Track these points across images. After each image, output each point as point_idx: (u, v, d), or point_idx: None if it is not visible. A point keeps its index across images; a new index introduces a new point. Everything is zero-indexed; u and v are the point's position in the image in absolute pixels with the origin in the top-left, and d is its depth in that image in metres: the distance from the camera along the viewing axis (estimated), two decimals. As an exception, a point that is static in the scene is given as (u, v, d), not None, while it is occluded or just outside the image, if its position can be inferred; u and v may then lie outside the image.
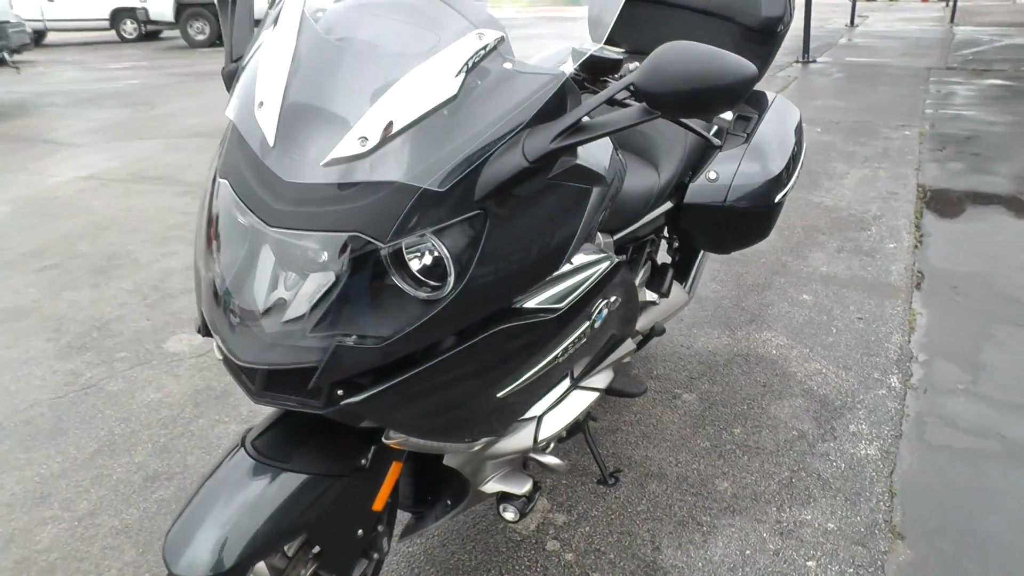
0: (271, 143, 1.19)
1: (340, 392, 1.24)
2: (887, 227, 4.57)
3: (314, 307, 1.17)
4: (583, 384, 1.79)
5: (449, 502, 1.76)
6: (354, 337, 1.18)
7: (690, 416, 2.75)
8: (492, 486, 1.76)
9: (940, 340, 3.25)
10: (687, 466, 2.48)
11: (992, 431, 2.63)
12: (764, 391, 2.90)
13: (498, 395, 1.40)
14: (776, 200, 2.31)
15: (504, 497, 1.78)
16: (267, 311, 1.18)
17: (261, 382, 1.26)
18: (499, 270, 1.24)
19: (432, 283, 1.19)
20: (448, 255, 1.18)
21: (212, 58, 14.05)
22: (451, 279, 1.19)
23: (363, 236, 1.14)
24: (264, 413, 2.12)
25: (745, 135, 2.34)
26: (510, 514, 1.78)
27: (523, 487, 1.76)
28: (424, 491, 1.81)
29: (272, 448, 1.40)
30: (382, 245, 1.15)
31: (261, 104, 1.21)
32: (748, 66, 1.10)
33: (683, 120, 1.27)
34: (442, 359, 1.26)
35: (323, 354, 1.17)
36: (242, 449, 1.39)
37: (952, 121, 7.43)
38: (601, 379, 1.86)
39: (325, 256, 1.16)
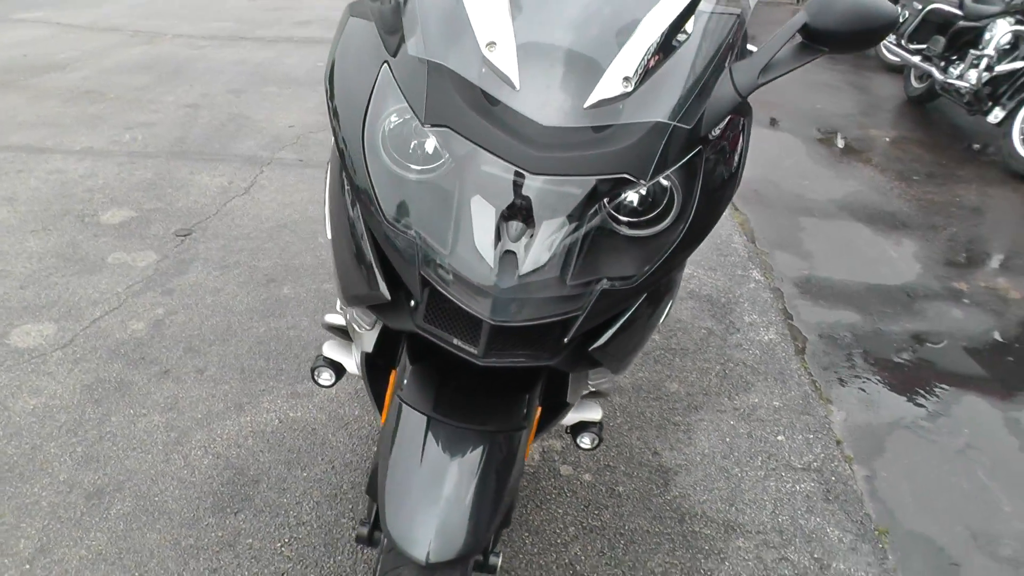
0: (516, 86, 1.08)
1: (564, 341, 1.19)
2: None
3: (576, 255, 1.11)
4: None
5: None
6: (604, 280, 1.15)
7: (616, 330, 2.93)
8: (571, 417, 1.78)
9: (770, 236, 3.77)
10: (634, 376, 2.66)
11: (847, 299, 3.17)
12: (664, 298, 3.16)
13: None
14: None
15: (581, 427, 1.81)
16: (529, 265, 1.10)
17: (488, 343, 1.16)
18: (711, 203, 1.26)
19: (648, 218, 1.19)
20: (679, 190, 1.19)
21: None
22: (675, 213, 1.19)
23: (628, 177, 1.10)
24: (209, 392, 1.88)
25: None
26: (587, 441, 1.81)
27: (598, 414, 1.81)
28: None
29: (452, 411, 1.30)
30: (644, 183, 1.12)
31: (492, 44, 1.09)
32: (892, 7, 1.25)
33: None
34: (655, 290, 1.27)
35: (586, 301, 1.12)
36: (426, 417, 1.27)
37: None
38: None
39: (585, 201, 1.10)
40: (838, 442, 2.43)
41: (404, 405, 1.28)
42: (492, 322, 1.11)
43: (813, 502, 2.19)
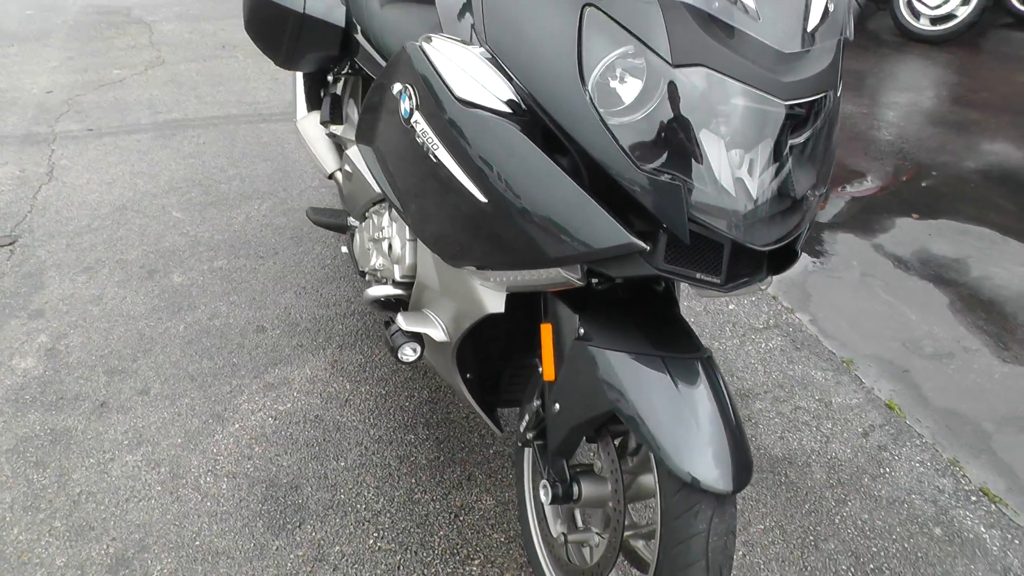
0: (756, 16, 1.06)
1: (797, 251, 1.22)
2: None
3: (804, 172, 1.15)
4: None
5: None
6: (819, 185, 1.20)
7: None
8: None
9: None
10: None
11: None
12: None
13: None
14: None
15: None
16: (768, 187, 1.11)
17: (728, 270, 1.16)
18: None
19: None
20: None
21: None
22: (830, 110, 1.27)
23: (833, 95, 1.15)
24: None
25: None
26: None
27: None
28: None
29: (653, 345, 1.28)
30: (837, 94, 1.18)
31: None
32: None
33: None
34: None
35: (808, 208, 1.17)
36: (639, 355, 1.24)
37: None
38: None
39: (817, 121, 1.14)
40: (774, 298, 2.72)
41: (604, 351, 1.24)
42: (758, 247, 1.11)
43: (788, 353, 2.45)
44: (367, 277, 1.92)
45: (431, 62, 1.31)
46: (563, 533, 1.52)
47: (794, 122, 1.11)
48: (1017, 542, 1.84)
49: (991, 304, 2.76)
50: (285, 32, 2.24)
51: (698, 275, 1.14)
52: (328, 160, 2.46)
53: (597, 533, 1.47)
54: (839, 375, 2.37)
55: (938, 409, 2.25)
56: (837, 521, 1.87)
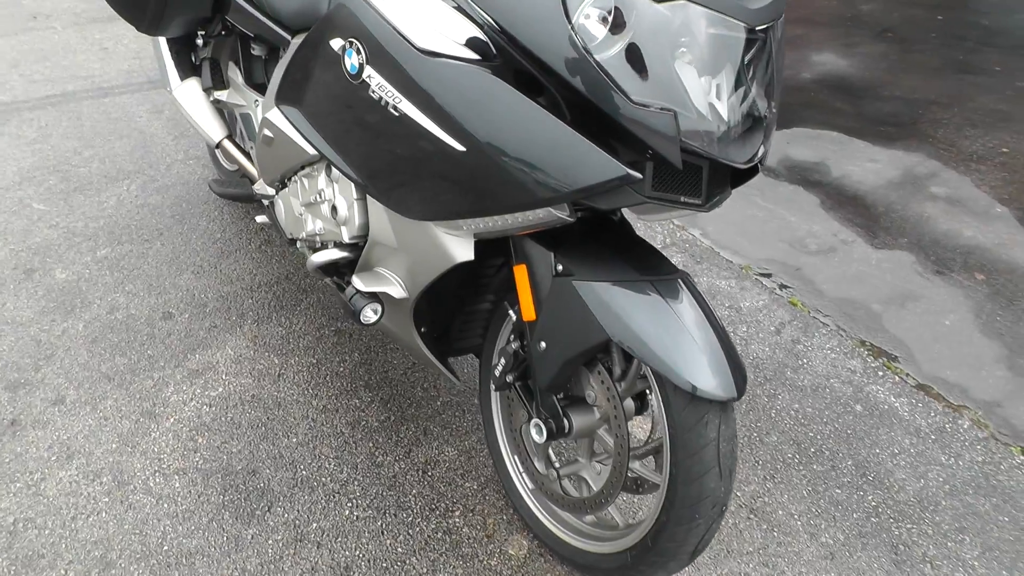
0: None
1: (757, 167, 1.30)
2: None
3: (763, 92, 1.22)
4: None
5: None
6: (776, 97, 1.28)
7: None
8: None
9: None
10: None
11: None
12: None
13: None
14: None
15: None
16: (742, 107, 1.19)
17: (708, 190, 1.23)
18: None
19: None
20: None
21: None
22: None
23: (782, 20, 1.24)
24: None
25: None
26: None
27: None
28: None
29: (628, 270, 1.34)
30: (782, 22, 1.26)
31: None
32: None
33: None
34: None
35: (770, 122, 1.25)
36: (635, 282, 1.29)
37: None
38: None
39: (773, 44, 1.21)
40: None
41: (591, 283, 1.28)
42: (739, 165, 1.18)
43: (690, 267, 2.60)
44: (299, 245, 1.85)
45: (380, 13, 1.27)
46: (555, 469, 1.57)
47: (755, 46, 1.17)
48: (920, 405, 2.09)
49: (855, 199, 3.03)
50: None
51: (682, 198, 1.20)
52: (215, 128, 2.31)
53: (599, 462, 1.53)
54: (741, 281, 2.54)
55: (833, 299, 2.47)
56: (773, 415, 2.04)
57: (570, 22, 1.10)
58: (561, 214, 1.23)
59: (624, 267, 1.33)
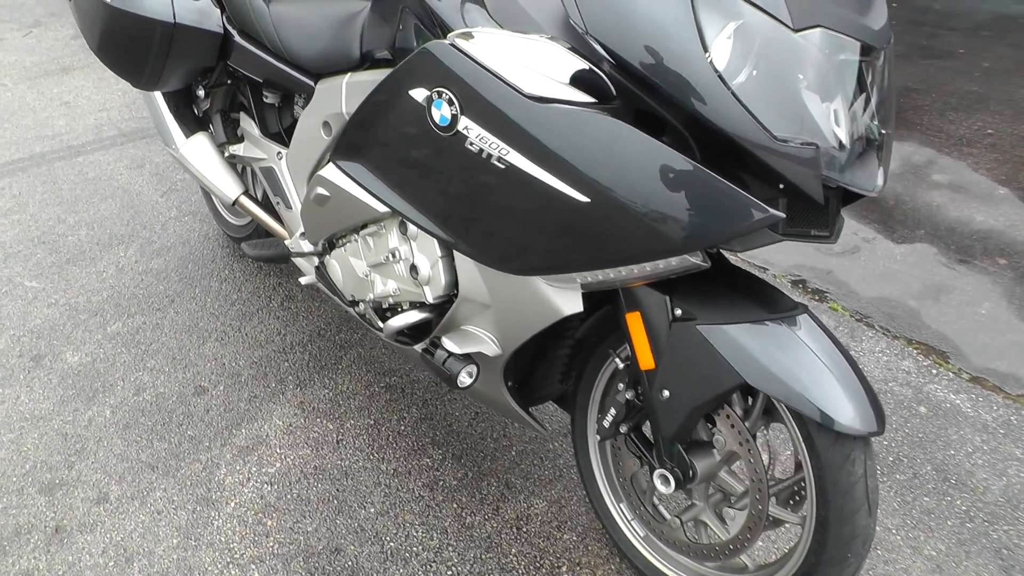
0: None
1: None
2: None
3: (881, 114, 1.21)
4: None
5: None
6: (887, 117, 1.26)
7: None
8: None
9: None
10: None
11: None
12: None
13: None
14: None
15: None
16: (870, 129, 1.19)
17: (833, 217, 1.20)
18: None
19: None
20: None
21: None
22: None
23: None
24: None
25: None
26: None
27: None
28: None
29: (758, 309, 1.29)
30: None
31: None
32: None
33: None
34: None
35: (887, 154, 1.24)
36: (762, 323, 1.25)
37: None
38: None
39: (887, 66, 1.22)
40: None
41: (718, 326, 1.24)
42: (870, 193, 1.17)
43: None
44: (363, 307, 1.74)
45: (476, 60, 1.20)
46: (677, 516, 1.51)
47: (872, 68, 1.16)
48: (981, 399, 2.10)
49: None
50: (151, 48, 1.95)
51: (812, 231, 1.17)
52: (230, 185, 2.20)
53: (733, 508, 1.46)
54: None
55: (870, 299, 2.48)
56: (848, 425, 2.02)
57: (707, 51, 1.06)
58: (696, 260, 1.19)
59: (748, 306, 1.28)
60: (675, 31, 1.07)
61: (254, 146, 2.13)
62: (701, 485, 1.50)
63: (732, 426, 1.36)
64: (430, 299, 1.52)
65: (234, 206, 2.22)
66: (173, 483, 1.89)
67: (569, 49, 1.17)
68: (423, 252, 1.50)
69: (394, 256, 1.55)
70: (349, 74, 1.72)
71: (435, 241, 1.47)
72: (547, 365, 1.64)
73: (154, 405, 2.11)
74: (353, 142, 1.50)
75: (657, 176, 1.10)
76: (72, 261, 2.69)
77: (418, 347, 1.61)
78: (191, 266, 2.67)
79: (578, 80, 1.16)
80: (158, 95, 2.29)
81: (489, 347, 1.50)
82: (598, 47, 1.13)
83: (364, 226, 1.63)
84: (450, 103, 1.24)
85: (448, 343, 1.52)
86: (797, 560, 1.34)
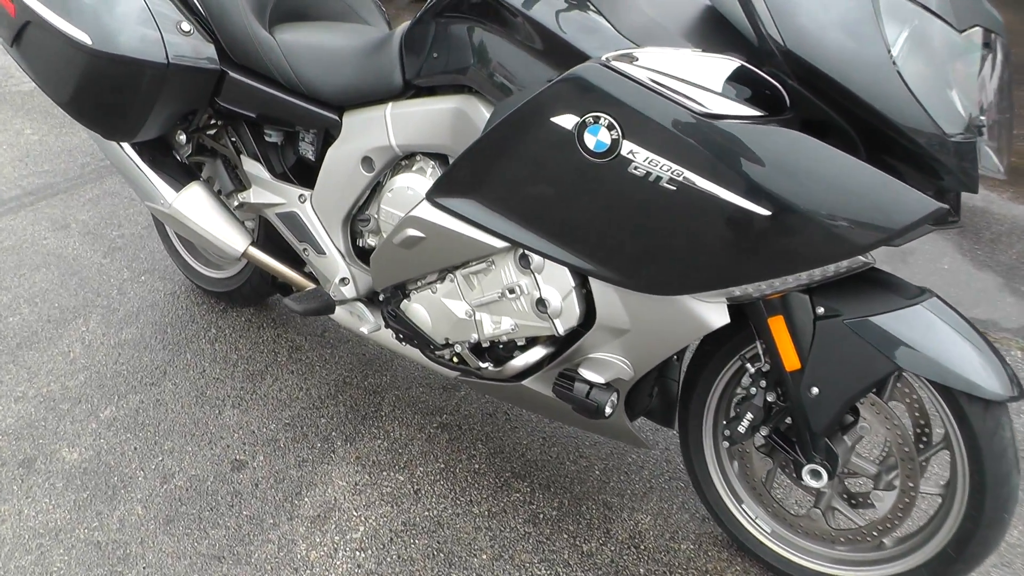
0: None
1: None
2: None
3: (1005, 99, 1.31)
4: None
5: None
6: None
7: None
8: None
9: None
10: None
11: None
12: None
13: None
14: None
15: None
16: (996, 116, 1.28)
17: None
18: None
19: None
20: None
21: None
22: None
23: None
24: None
25: None
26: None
27: None
28: None
29: (894, 295, 1.36)
30: None
31: None
32: None
33: None
34: None
35: (1009, 141, 1.34)
36: (902, 309, 1.32)
37: None
38: None
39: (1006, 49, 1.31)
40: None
41: (864, 319, 1.31)
42: (1001, 176, 1.27)
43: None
44: (459, 348, 1.65)
45: (640, 81, 1.20)
46: (816, 507, 1.56)
47: (996, 58, 1.26)
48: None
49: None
50: (138, 93, 1.78)
51: (949, 218, 1.26)
52: (236, 237, 2.02)
53: (874, 489, 1.51)
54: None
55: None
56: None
57: (891, 55, 1.12)
58: (867, 258, 1.24)
59: (882, 296, 1.35)
60: (865, 39, 1.13)
61: (266, 191, 1.96)
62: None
63: (878, 412, 1.42)
64: (561, 331, 1.47)
65: (242, 258, 2.03)
66: (250, 570, 1.71)
67: (742, 64, 1.19)
68: (551, 284, 1.45)
69: (512, 292, 1.48)
70: (390, 104, 1.64)
71: (566, 271, 1.42)
72: (644, 381, 1.63)
73: (191, 490, 1.90)
74: (463, 178, 1.42)
75: (837, 181, 1.14)
76: (25, 345, 2.36)
77: (527, 382, 1.58)
78: (171, 330, 2.41)
79: (752, 93, 1.18)
80: (127, 147, 2.05)
81: (624, 371, 1.48)
82: (794, 60, 1.15)
83: (462, 265, 1.54)
84: (610, 128, 1.21)
85: (587, 374, 1.48)
86: (951, 528, 1.41)
